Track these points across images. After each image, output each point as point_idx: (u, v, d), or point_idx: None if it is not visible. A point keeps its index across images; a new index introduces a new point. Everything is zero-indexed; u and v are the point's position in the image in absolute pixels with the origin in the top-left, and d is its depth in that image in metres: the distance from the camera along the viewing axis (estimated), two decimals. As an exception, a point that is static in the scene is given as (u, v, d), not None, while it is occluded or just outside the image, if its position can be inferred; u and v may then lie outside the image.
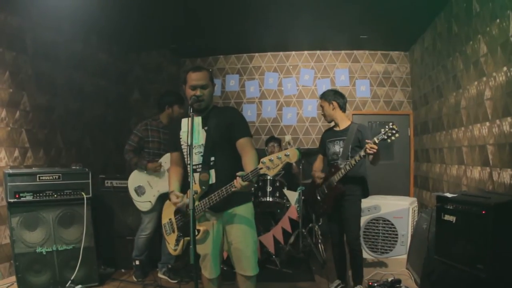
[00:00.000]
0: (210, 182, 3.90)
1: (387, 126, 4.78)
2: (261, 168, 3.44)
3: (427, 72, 8.31)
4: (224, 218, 4.01)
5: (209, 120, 4.01)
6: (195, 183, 3.87)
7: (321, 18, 7.72)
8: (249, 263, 3.99)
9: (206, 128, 3.98)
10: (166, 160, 5.94)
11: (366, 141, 4.82)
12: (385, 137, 4.75)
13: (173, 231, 4.12)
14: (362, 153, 4.86)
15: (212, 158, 3.94)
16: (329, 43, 9.66)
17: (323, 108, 5.49)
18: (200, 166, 3.96)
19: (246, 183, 3.53)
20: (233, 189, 3.63)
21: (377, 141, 4.74)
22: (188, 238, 3.78)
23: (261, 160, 3.45)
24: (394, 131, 4.73)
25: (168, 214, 4.21)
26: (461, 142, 6.31)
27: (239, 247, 3.99)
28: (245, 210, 4.05)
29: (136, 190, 6.01)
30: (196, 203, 3.84)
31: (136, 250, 6.15)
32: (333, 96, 5.41)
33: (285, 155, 3.36)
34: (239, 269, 4.03)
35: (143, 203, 5.97)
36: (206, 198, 3.81)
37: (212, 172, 3.92)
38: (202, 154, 3.96)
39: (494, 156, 5.20)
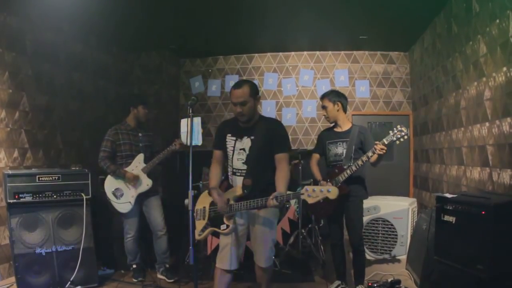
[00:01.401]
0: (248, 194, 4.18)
1: (395, 128, 4.81)
2: (303, 194, 3.77)
3: (426, 72, 8.31)
4: (251, 215, 4.34)
5: (256, 131, 4.30)
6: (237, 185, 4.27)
7: (321, 18, 7.72)
8: (262, 255, 4.35)
9: (252, 137, 4.29)
10: (140, 160, 6.08)
11: (376, 142, 4.84)
12: (394, 138, 4.79)
13: (203, 218, 4.38)
14: (370, 153, 4.91)
15: (254, 166, 4.24)
16: (328, 43, 9.66)
17: (326, 108, 5.44)
18: (242, 171, 4.30)
19: (277, 203, 3.88)
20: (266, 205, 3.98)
21: (386, 143, 4.78)
22: (214, 228, 4.25)
23: (306, 187, 3.77)
24: (403, 133, 4.77)
25: (204, 202, 4.47)
26: (460, 143, 6.30)
27: (260, 240, 4.33)
28: (270, 211, 4.30)
29: (114, 193, 6.02)
30: (232, 202, 4.17)
31: (128, 255, 6.21)
32: (338, 97, 5.42)
33: (328, 191, 3.66)
34: (255, 259, 4.40)
35: (123, 204, 5.99)
36: (242, 203, 4.09)
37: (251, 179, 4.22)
38: (244, 161, 4.30)
39: (493, 157, 5.19)
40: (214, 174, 4.49)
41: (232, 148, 4.36)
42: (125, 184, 6.00)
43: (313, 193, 3.68)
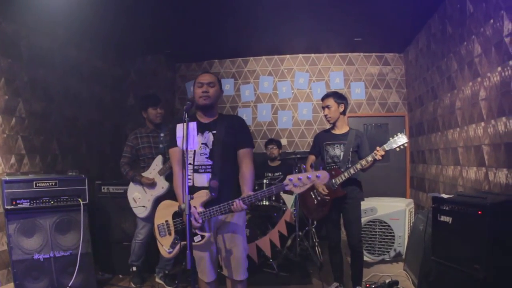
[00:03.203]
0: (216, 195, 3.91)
1: (396, 136, 4.89)
2: (287, 185, 3.45)
3: (421, 73, 8.34)
4: (218, 222, 4.05)
5: (217, 125, 4.06)
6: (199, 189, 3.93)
7: (315, 21, 7.74)
8: (239, 268, 4.06)
9: (214, 132, 4.04)
10: (158, 162, 6.03)
11: (377, 148, 4.90)
12: (395, 145, 4.88)
13: (169, 234, 4.09)
14: (370, 158, 4.95)
15: (220, 162, 3.98)
16: (323, 46, 9.68)
17: (330, 108, 5.41)
18: (207, 167, 4.00)
19: (245, 206, 3.65)
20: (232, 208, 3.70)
21: (387, 149, 4.85)
22: (185, 242, 3.75)
23: (288, 177, 3.45)
24: (404, 141, 4.88)
25: (163, 215, 4.17)
26: (456, 143, 6.32)
27: (233, 252, 4.04)
28: (239, 215, 4.10)
29: (133, 198, 6.07)
30: (200, 210, 3.84)
31: (132, 255, 6.18)
32: (342, 99, 5.43)
33: (316, 176, 3.34)
34: (230, 273, 4.09)
35: (138, 208, 6.01)
36: (210, 209, 3.81)
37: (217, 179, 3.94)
38: (207, 156, 4.01)
39: (489, 156, 5.21)
40: (181, 188, 3.79)
41: None
42: (143, 189, 6.01)
43: (299, 182, 3.37)
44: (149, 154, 6.09)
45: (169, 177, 5.93)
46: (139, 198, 6.02)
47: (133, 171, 6.03)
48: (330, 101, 5.40)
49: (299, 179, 3.38)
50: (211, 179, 3.94)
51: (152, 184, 5.92)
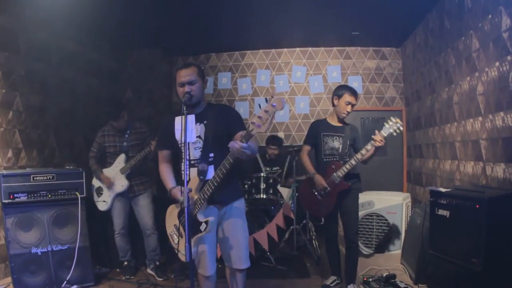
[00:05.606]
0: (208, 178, 3.83)
1: (390, 120, 4.84)
2: (252, 129, 3.32)
3: (419, 68, 8.34)
4: (221, 212, 4.02)
5: (208, 116, 4.00)
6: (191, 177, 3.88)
7: (313, 15, 7.71)
8: (241, 256, 4.03)
9: (205, 122, 3.98)
10: (120, 160, 6.14)
11: (376, 131, 4.85)
12: (391, 130, 4.81)
13: (182, 236, 3.89)
14: (369, 146, 4.90)
15: (211, 154, 3.94)
16: (321, 40, 9.67)
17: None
18: (198, 161, 3.94)
19: (243, 145, 3.37)
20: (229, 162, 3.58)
21: (385, 135, 4.79)
22: (196, 234, 3.79)
23: (250, 121, 3.32)
24: (398, 124, 4.83)
25: (171, 222, 4.10)
26: (454, 137, 6.33)
27: (234, 240, 4.02)
28: (240, 204, 4.14)
29: (96, 192, 6.25)
30: (196, 196, 3.78)
31: (119, 251, 6.29)
32: None
33: (272, 105, 3.25)
34: (231, 263, 4.06)
35: (100, 202, 6.21)
36: (206, 186, 3.74)
37: (211, 167, 3.90)
38: (201, 149, 3.96)
39: (487, 151, 5.22)
40: (169, 175, 4.12)
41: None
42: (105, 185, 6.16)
43: (260, 120, 3.24)
44: (114, 152, 6.19)
45: (132, 174, 6.12)
46: (101, 193, 6.20)
47: (97, 165, 6.20)
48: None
49: (259, 117, 3.26)
50: (199, 164, 3.89)
51: (107, 182, 6.08)
